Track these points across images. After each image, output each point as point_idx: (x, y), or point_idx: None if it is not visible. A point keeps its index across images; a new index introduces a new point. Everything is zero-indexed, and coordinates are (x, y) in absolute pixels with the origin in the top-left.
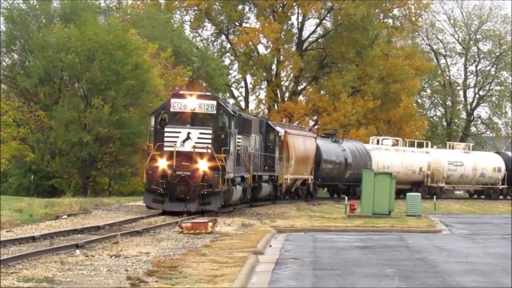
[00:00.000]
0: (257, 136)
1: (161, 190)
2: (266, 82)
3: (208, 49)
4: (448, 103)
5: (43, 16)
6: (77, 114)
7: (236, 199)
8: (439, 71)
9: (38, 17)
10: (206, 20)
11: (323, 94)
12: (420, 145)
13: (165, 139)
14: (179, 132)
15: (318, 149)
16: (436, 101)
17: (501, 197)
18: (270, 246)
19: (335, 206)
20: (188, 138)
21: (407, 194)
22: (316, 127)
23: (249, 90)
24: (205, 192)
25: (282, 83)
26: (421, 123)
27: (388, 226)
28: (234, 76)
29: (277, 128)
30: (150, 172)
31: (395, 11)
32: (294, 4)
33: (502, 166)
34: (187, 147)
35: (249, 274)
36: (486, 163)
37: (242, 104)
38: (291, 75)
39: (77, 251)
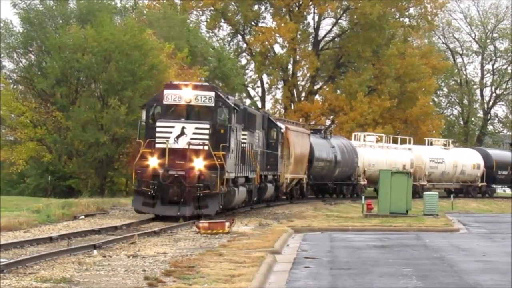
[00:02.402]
0: (260, 132)
1: (152, 192)
2: (282, 81)
3: (224, 49)
4: (465, 102)
5: (60, 17)
6: (93, 115)
7: (239, 202)
8: (456, 70)
9: (55, 18)
10: (222, 20)
11: (339, 93)
12: (403, 141)
13: (157, 134)
14: (173, 127)
15: (311, 146)
16: (452, 100)
17: (479, 195)
18: (288, 245)
19: (352, 206)
20: (182, 133)
21: (424, 193)
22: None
23: (266, 90)
24: (201, 194)
25: (298, 82)
26: (438, 122)
27: (405, 225)
28: (251, 76)
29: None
30: (139, 172)
31: (411, 10)
32: (310, 3)
33: (481, 162)
34: (181, 143)
35: (266, 273)
36: (466, 160)
37: (259, 103)
38: (308, 74)
39: (95, 252)
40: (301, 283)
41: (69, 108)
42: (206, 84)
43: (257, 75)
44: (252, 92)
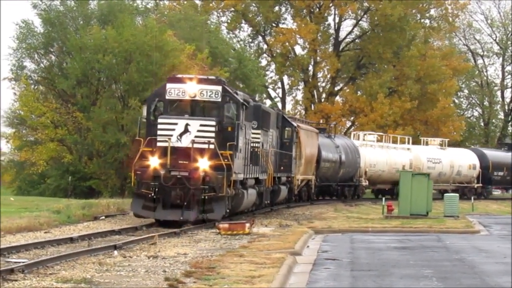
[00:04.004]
0: (274, 131)
1: (153, 194)
2: (303, 83)
3: (245, 50)
4: (486, 103)
5: (81, 18)
6: (114, 116)
7: (248, 205)
8: (477, 72)
9: (76, 19)
10: (243, 21)
11: (360, 94)
12: (403, 141)
13: (159, 132)
14: (176, 124)
15: (318, 146)
16: (473, 101)
17: (474, 196)
18: (308, 247)
19: (372, 207)
20: (186, 131)
21: (445, 194)
22: (352, 128)
23: (286, 91)
24: (206, 197)
25: (319, 83)
26: (458, 124)
27: (426, 226)
28: (271, 77)
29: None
30: (139, 173)
31: (432, 12)
32: (331, 4)
33: (477, 163)
34: (185, 142)
35: (287, 275)
36: (462, 160)
37: (279, 105)
38: (328, 75)
39: (115, 252)
40: (322, 284)
41: (90, 108)
42: (212, 77)
43: (277, 76)
44: (272, 93)
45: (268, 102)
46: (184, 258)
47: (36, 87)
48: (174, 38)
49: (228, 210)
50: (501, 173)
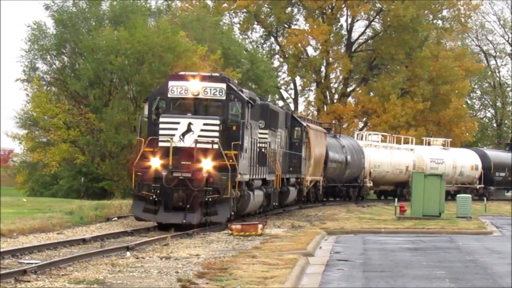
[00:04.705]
0: (283, 131)
1: (154, 196)
2: (315, 84)
3: (257, 51)
4: (498, 104)
5: (93, 19)
6: (126, 117)
7: (254, 207)
8: (489, 72)
9: (88, 20)
10: (255, 22)
11: (372, 95)
12: (406, 141)
13: (160, 131)
14: (178, 123)
15: (326, 146)
16: (486, 102)
17: (476, 197)
18: (320, 248)
19: (384, 208)
20: (189, 130)
21: (457, 196)
22: (365, 129)
23: (298, 92)
24: (209, 199)
25: (331, 84)
26: (471, 125)
27: (438, 227)
28: (283, 78)
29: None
30: (139, 174)
31: (444, 12)
32: (343, 5)
33: (479, 163)
34: (188, 141)
35: (299, 276)
36: (464, 161)
37: (292, 106)
38: (340, 76)
39: (128, 253)
40: (334, 285)
41: (102, 110)
42: (216, 74)
43: (290, 77)
44: (285, 94)
45: (280, 103)
46: (197, 259)
47: (48, 88)
48: (187, 39)
49: (233, 213)
50: (502, 174)
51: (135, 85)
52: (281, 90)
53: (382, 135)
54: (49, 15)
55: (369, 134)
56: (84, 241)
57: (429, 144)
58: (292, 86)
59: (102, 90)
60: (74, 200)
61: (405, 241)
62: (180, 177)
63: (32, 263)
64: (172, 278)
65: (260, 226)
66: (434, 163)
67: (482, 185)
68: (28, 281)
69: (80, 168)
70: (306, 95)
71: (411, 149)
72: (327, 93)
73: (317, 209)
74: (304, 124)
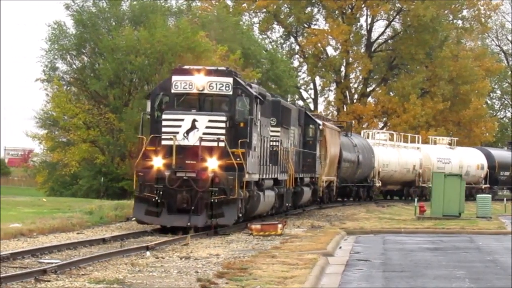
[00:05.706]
0: (296, 129)
1: (157, 198)
2: (335, 83)
3: (277, 51)
4: None
5: (113, 19)
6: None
7: (265, 208)
8: (509, 72)
9: (108, 20)
10: (275, 22)
11: (392, 95)
12: (412, 140)
13: (163, 129)
14: (182, 120)
15: (340, 145)
16: (506, 102)
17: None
18: (340, 248)
19: (404, 208)
20: (193, 127)
21: (477, 196)
22: (385, 128)
23: (318, 92)
24: (215, 201)
25: (351, 84)
26: (491, 125)
27: (458, 227)
28: (303, 78)
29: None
30: (141, 174)
31: (464, 12)
32: (363, 5)
33: (485, 163)
34: (192, 139)
35: (319, 276)
36: (470, 160)
37: (311, 106)
38: (360, 76)
39: (147, 253)
40: (354, 285)
41: (122, 109)
42: (222, 68)
43: (309, 77)
44: (304, 94)
45: (300, 103)
46: (217, 259)
47: (68, 88)
48: (207, 39)
49: (241, 215)
50: (507, 173)
51: (154, 85)
52: (301, 90)
53: (389, 133)
54: (69, 15)
55: (377, 133)
56: (104, 240)
57: (435, 143)
58: (312, 86)
59: (122, 90)
60: (94, 200)
61: (425, 241)
62: (184, 177)
63: (52, 263)
64: (192, 278)
65: (279, 226)
66: (441, 163)
67: (488, 185)
68: (48, 281)
69: (100, 168)
70: (326, 95)
71: (418, 148)
72: (347, 93)
73: (337, 209)
74: (320, 122)
